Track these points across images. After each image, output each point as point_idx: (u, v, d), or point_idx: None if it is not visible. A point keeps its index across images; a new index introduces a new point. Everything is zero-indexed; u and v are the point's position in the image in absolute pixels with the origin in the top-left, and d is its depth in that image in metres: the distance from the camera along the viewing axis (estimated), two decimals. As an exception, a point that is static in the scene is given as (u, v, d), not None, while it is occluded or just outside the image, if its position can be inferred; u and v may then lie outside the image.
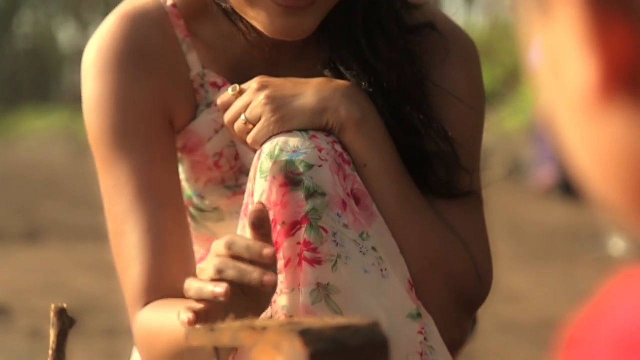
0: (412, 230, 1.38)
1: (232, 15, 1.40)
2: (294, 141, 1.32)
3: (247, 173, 1.38)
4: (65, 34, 31.67)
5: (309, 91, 1.36)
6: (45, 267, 5.00)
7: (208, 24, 1.46)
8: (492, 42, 12.48)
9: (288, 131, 1.33)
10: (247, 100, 1.36)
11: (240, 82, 1.40)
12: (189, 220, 1.47)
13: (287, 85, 1.36)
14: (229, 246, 1.20)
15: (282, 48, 1.43)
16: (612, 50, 0.43)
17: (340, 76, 1.41)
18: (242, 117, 1.35)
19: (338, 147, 1.34)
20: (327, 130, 1.35)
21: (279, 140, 1.32)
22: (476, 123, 1.47)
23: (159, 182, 1.40)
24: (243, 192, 1.38)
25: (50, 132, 18.82)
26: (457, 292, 1.40)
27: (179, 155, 1.46)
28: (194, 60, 1.45)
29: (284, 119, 1.34)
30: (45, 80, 29.55)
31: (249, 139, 1.35)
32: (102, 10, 28.95)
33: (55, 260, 5.24)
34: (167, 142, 1.43)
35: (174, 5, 1.45)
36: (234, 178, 1.46)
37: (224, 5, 1.39)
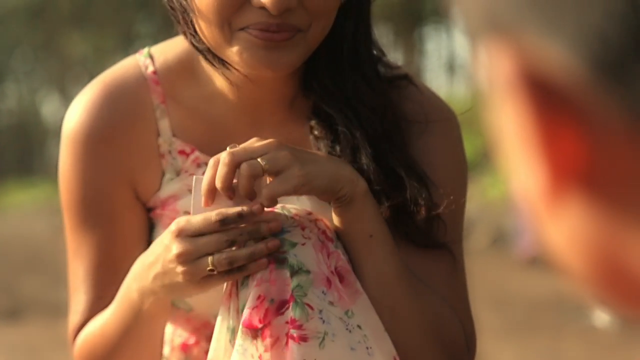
0: (411, 299, 1.38)
1: (210, 56, 1.41)
2: None
3: None
4: (49, 107, 31.78)
5: (324, 158, 1.36)
6: (27, 346, 4.95)
7: (188, 86, 1.48)
8: (474, 111, 12.55)
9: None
10: (265, 150, 1.33)
11: (215, 148, 1.42)
12: None
13: (302, 150, 1.36)
14: (222, 220, 1.29)
15: (263, 107, 1.45)
16: (561, 154, 0.44)
17: (324, 136, 1.42)
18: (260, 161, 1.31)
19: (320, 225, 1.35)
20: (338, 198, 1.35)
21: None
22: (458, 191, 1.48)
23: (116, 257, 1.47)
24: None
25: (33, 206, 18.78)
26: (449, 359, 1.41)
27: (152, 218, 1.49)
28: (165, 126, 1.48)
29: (309, 176, 1.31)
30: (29, 154, 29.58)
31: (267, 190, 1.31)
32: (86, 82, 28.99)
33: (37, 339, 5.20)
34: (129, 217, 1.47)
35: (154, 72, 1.48)
36: None
37: (200, 46, 1.41)
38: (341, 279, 1.35)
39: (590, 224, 0.44)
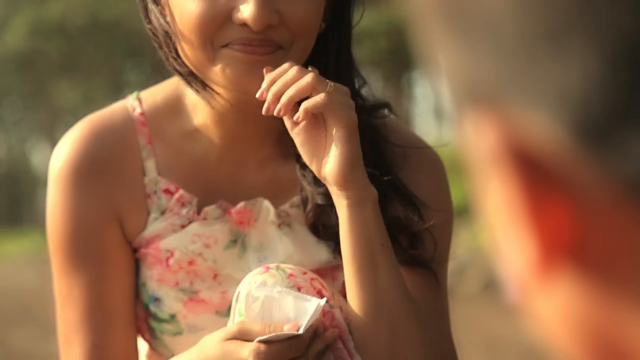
0: (414, 316, 1.37)
1: (193, 81, 1.41)
2: (271, 280, 1.32)
3: (202, 278, 1.41)
4: (38, 156, 31.76)
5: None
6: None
7: (174, 124, 1.49)
8: (463, 157, 12.57)
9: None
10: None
11: (200, 187, 1.44)
12: (148, 338, 1.51)
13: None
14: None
15: (248, 143, 1.46)
16: (550, 228, 0.43)
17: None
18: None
19: (316, 284, 1.34)
20: (347, 190, 1.34)
21: (256, 280, 1.32)
22: (442, 214, 1.46)
23: (109, 298, 1.45)
24: (199, 300, 1.41)
25: (22, 256, 18.70)
26: None
27: (137, 256, 1.49)
28: (150, 166, 1.48)
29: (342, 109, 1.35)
30: (18, 203, 29.50)
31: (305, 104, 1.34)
32: (75, 133, 29.04)
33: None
34: (119, 255, 1.47)
35: (141, 114, 1.49)
36: (188, 280, 1.47)
37: (183, 71, 1.41)
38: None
39: (582, 300, 0.43)
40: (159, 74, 1.49)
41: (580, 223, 0.42)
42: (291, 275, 1.34)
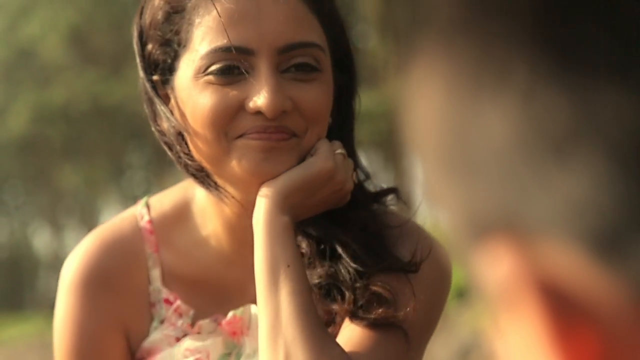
0: (313, 350, 1.31)
1: (205, 180, 1.41)
2: None
3: None
4: (40, 240, 31.75)
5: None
6: None
7: (182, 231, 1.50)
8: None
9: None
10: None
11: (206, 294, 1.45)
12: None
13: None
14: None
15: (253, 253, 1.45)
16: (577, 355, 0.42)
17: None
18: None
19: None
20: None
21: None
22: (428, 303, 1.43)
23: None
24: None
25: (24, 340, 18.59)
26: None
27: None
28: (155, 275, 1.49)
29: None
30: (20, 287, 29.43)
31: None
32: (77, 215, 29.15)
33: None
34: None
35: (149, 221, 1.49)
36: None
37: (195, 169, 1.41)
38: None
39: None
40: (161, 156, 1.50)
41: (605, 345, 0.41)
42: None
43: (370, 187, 1.50)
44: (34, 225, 31.88)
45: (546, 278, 0.42)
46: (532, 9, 0.43)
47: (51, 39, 24.09)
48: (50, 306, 1.56)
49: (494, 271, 0.44)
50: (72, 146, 25.57)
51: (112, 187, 28.02)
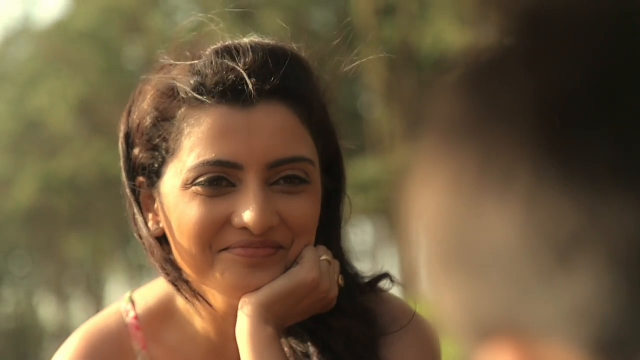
0: None
1: (185, 289, 1.40)
2: None
3: None
4: (46, 311, 31.65)
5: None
6: None
7: (169, 328, 1.48)
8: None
9: None
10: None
11: None
12: None
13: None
14: None
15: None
16: None
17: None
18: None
19: None
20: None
21: None
22: None
23: None
24: None
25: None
26: None
27: None
28: None
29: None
30: (25, 358, 29.28)
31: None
32: (83, 285, 29.08)
33: None
34: None
35: (135, 318, 1.47)
36: None
37: (172, 277, 1.40)
38: None
39: None
40: (166, 228, 1.49)
41: None
42: None
43: (364, 271, 1.48)
44: (40, 295, 31.81)
45: None
46: (536, 113, 0.43)
47: (59, 110, 24.25)
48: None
49: None
50: (78, 216, 25.59)
51: (118, 257, 27.97)
